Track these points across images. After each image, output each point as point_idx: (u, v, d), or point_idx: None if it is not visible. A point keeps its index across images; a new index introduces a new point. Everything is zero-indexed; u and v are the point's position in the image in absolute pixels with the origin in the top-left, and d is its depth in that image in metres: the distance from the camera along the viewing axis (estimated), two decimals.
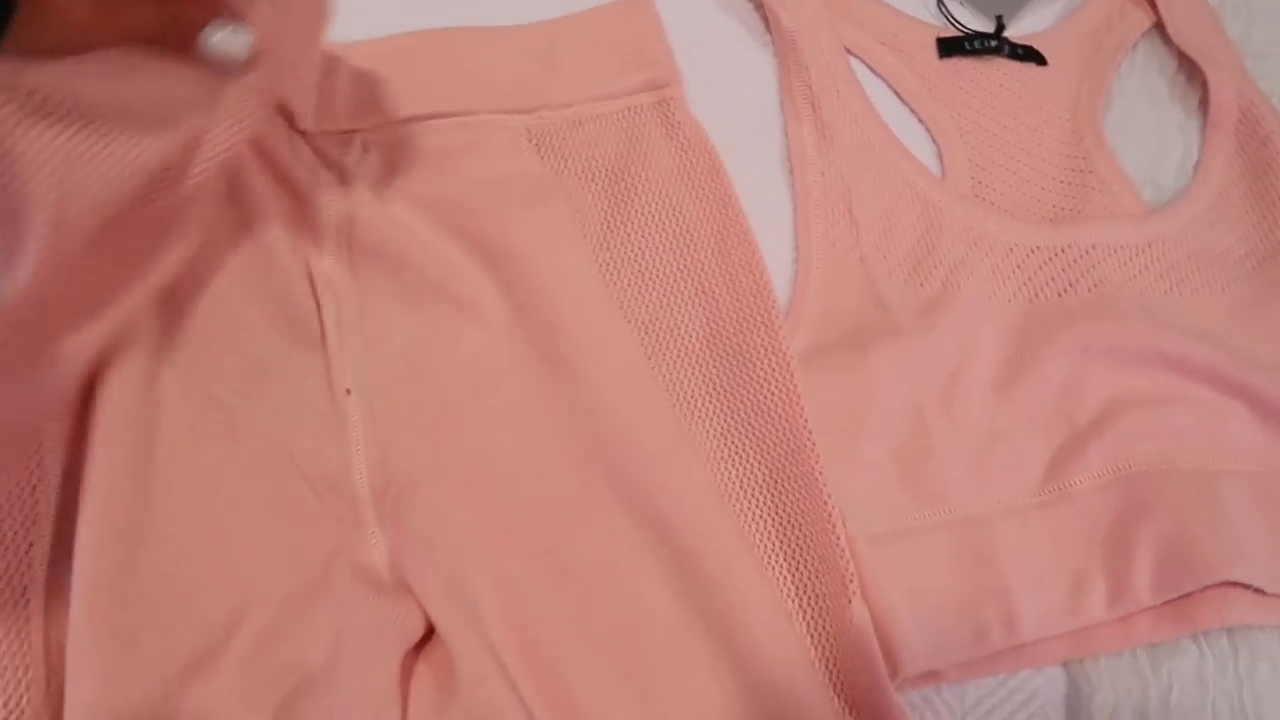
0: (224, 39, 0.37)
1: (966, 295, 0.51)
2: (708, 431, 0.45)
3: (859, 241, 0.52)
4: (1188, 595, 0.46)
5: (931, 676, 0.45)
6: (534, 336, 0.44)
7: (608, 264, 0.48)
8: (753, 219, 0.50)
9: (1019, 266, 0.52)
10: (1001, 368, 0.50)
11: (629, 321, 0.47)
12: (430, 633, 0.41)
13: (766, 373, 0.46)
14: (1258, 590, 0.46)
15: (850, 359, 0.49)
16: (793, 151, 0.55)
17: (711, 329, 0.47)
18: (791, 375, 0.46)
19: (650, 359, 0.46)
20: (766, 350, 0.46)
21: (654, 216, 0.50)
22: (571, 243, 0.46)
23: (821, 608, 0.42)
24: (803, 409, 0.45)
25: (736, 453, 0.45)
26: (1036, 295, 0.52)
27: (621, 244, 0.49)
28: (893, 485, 0.47)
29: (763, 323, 0.47)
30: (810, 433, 0.44)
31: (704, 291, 0.48)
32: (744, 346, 0.47)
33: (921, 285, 0.52)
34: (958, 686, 0.45)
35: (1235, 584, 0.46)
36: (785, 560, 0.43)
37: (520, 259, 0.45)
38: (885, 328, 0.50)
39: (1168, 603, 0.46)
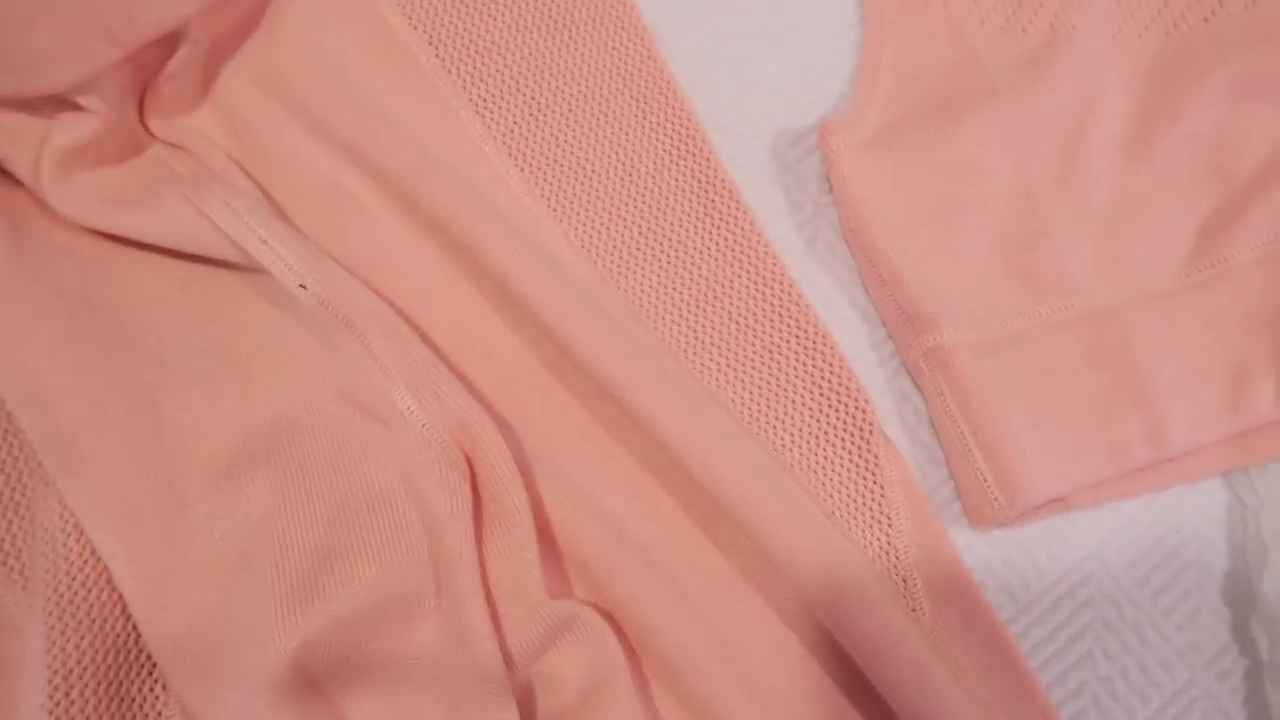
0: None
1: (1083, 36, 0.41)
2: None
3: None
4: None
5: (1058, 504, 0.37)
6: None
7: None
8: None
9: None
10: (1133, 121, 0.40)
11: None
12: None
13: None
14: None
15: (938, 132, 0.40)
16: None
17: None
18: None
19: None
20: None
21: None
22: None
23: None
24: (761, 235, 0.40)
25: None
26: (1176, 24, 0.41)
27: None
28: (1002, 280, 0.38)
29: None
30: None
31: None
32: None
33: (1024, 31, 0.41)
34: (1092, 512, 0.38)
35: None
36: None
37: None
38: (980, 89, 0.40)
39: None
